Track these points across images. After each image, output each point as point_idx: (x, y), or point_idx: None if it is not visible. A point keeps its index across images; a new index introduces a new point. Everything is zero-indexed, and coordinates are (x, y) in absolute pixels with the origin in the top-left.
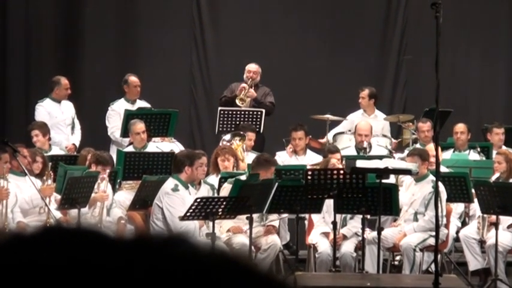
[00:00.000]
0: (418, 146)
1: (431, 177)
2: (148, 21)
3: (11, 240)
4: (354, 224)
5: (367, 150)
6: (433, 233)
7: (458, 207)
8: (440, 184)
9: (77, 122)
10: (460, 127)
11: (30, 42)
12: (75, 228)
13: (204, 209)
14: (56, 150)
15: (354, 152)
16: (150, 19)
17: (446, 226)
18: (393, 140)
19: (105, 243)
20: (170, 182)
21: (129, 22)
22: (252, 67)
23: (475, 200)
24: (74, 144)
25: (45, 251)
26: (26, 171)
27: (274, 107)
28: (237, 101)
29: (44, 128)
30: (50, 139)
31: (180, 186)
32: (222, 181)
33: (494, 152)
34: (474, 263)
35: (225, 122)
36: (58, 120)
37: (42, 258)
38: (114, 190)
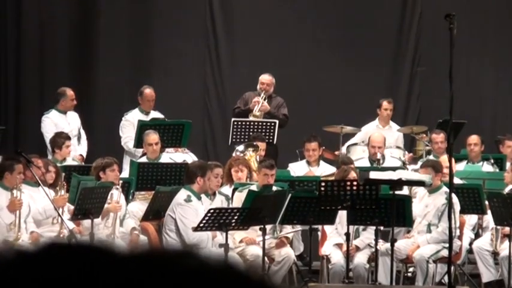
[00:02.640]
0: (431, 157)
1: (445, 189)
2: (162, 32)
3: (16, 256)
4: (367, 235)
5: (381, 161)
6: (447, 245)
7: (471, 219)
8: (453, 196)
9: (83, 132)
10: (474, 139)
11: (44, 52)
12: (84, 244)
13: (218, 220)
14: (69, 161)
15: (367, 164)
16: (164, 29)
17: (460, 238)
18: (407, 152)
19: (113, 259)
20: (183, 193)
21: (143, 32)
22: (266, 78)
23: (489, 211)
24: (81, 155)
25: (52, 267)
26: (40, 181)
27: (288, 119)
28: (251, 117)
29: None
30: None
31: (192, 197)
32: (235, 192)
33: (507, 164)
34: (487, 274)
35: (239, 133)
36: (64, 131)
37: (47, 273)
38: (128, 201)
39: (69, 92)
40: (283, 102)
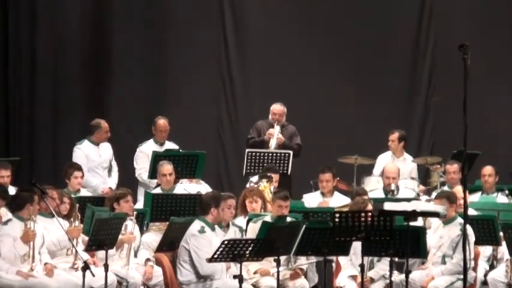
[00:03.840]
0: (445, 188)
1: (459, 220)
2: (176, 62)
3: None
4: (382, 266)
5: (395, 192)
6: (461, 276)
7: (486, 250)
8: (468, 227)
9: (114, 164)
10: (488, 170)
11: (57, 84)
12: None
13: (232, 251)
14: (83, 192)
15: (381, 194)
16: (177, 59)
17: (474, 269)
18: (421, 186)
19: None
20: (196, 224)
21: (157, 62)
22: (277, 108)
23: (503, 242)
24: (110, 188)
25: None
26: (54, 212)
27: (301, 149)
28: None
29: (82, 171)
30: None
31: (206, 228)
32: (249, 223)
33: None
34: None
35: (253, 164)
36: (96, 163)
37: None
38: (142, 232)
39: (104, 124)
40: (295, 131)
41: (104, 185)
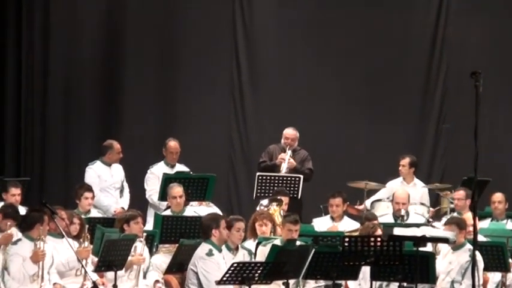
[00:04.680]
0: (455, 214)
1: (469, 246)
2: (188, 84)
3: None
4: None
5: (405, 218)
6: None
7: (495, 277)
8: (477, 253)
9: (126, 185)
10: (498, 196)
11: (69, 104)
12: None
13: (241, 274)
14: (93, 213)
15: (391, 220)
16: (190, 81)
17: None
18: (431, 209)
19: None
20: (204, 247)
21: (169, 85)
22: (290, 133)
23: None
24: (122, 208)
25: None
26: (64, 233)
27: (313, 173)
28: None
29: (93, 192)
30: None
31: (214, 251)
32: (259, 246)
33: None
34: None
35: (263, 188)
36: (108, 184)
37: None
38: (151, 253)
39: (116, 145)
40: (307, 156)
41: (116, 205)
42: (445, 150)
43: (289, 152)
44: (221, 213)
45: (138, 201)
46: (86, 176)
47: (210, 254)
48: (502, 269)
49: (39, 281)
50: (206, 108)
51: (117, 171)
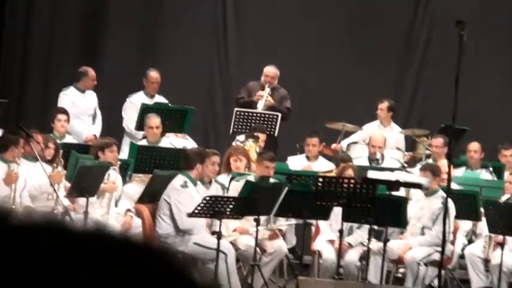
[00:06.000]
0: (430, 161)
1: (442, 193)
2: (172, 18)
3: None
4: (360, 233)
5: (380, 161)
6: (439, 249)
7: (465, 225)
8: (449, 200)
9: (98, 112)
10: (474, 146)
11: (52, 31)
12: None
13: (213, 208)
14: (69, 139)
15: (366, 163)
16: (173, 16)
17: (453, 243)
18: (406, 154)
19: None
20: (179, 178)
21: (153, 17)
22: (270, 71)
23: (483, 219)
24: (94, 135)
25: None
26: (38, 156)
27: (290, 112)
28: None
29: (68, 116)
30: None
31: (189, 183)
32: (232, 181)
33: (506, 173)
34: (477, 281)
35: (241, 123)
36: (81, 110)
37: None
38: (124, 182)
39: (91, 72)
40: (286, 95)
41: (88, 131)
42: (424, 97)
43: (267, 89)
44: (196, 146)
45: (114, 129)
46: (59, 101)
47: (184, 185)
48: (473, 217)
49: (10, 203)
50: (189, 42)
51: (91, 98)
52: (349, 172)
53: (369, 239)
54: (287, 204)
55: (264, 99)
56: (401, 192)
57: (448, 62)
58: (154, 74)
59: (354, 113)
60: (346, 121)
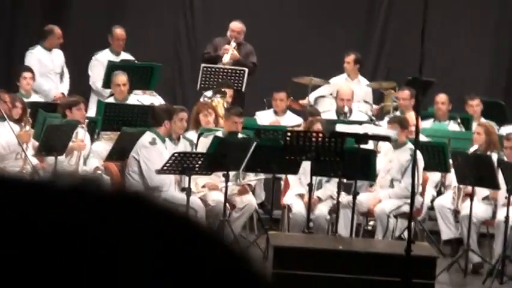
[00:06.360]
0: (398, 113)
1: (410, 145)
2: None
3: None
4: (330, 187)
5: (348, 115)
6: (408, 200)
7: (434, 176)
8: (418, 152)
9: (66, 71)
10: (442, 97)
11: None
12: None
13: (181, 164)
14: (36, 97)
15: (334, 116)
16: None
17: (422, 194)
18: (374, 106)
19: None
20: (148, 136)
21: None
22: (236, 26)
23: (452, 170)
24: (62, 93)
25: None
26: (5, 116)
27: (256, 67)
28: (220, 65)
29: (33, 74)
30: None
31: (157, 140)
32: (200, 137)
33: (474, 124)
34: (447, 232)
35: (208, 79)
36: (48, 68)
37: None
38: (92, 140)
39: (57, 30)
40: (252, 50)
41: (56, 90)
42: (390, 50)
43: (233, 44)
44: (164, 103)
45: (82, 87)
46: (26, 60)
47: (153, 142)
48: (442, 169)
49: None
50: None
51: (58, 56)
52: (318, 126)
53: (338, 193)
54: (256, 159)
55: (229, 53)
56: (370, 145)
57: (413, 14)
58: (119, 31)
59: (320, 66)
60: (313, 75)
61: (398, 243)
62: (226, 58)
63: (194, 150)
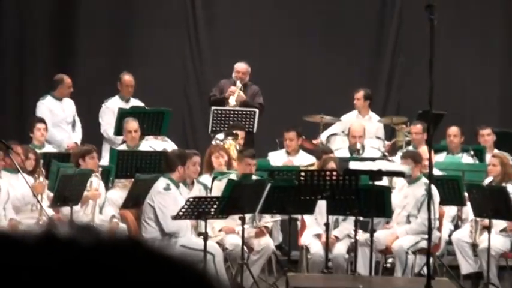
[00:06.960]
0: (411, 148)
1: (424, 180)
2: (143, 20)
3: None
4: (346, 225)
5: (360, 151)
6: (426, 236)
7: (451, 210)
8: (433, 187)
9: (77, 120)
10: (453, 130)
11: (23, 40)
12: None
13: (197, 209)
14: (48, 148)
15: (347, 154)
16: (144, 18)
17: (439, 229)
18: (386, 142)
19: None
20: (162, 182)
21: (124, 20)
22: (241, 67)
23: (468, 203)
24: (75, 142)
25: None
26: (19, 168)
27: (263, 108)
28: (227, 107)
29: (46, 124)
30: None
31: (171, 186)
32: (214, 180)
33: (488, 156)
34: (466, 266)
35: (219, 122)
36: (59, 118)
37: None
38: (107, 188)
39: (67, 80)
40: (258, 91)
41: (68, 139)
42: (400, 84)
43: (238, 85)
44: (176, 148)
45: (93, 135)
46: (37, 111)
47: (167, 188)
48: (457, 202)
49: None
50: (161, 42)
51: (68, 106)
52: (331, 164)
53: (355, 231)
54: (271, 200)
55: (236, 94)
56: (384, 181)
57: (420, 47)
58: (127, 77)
59: (330, 104)
60: (323, 113)
61: (418, 279)
62: (232, 100)
63: (209, 194)
